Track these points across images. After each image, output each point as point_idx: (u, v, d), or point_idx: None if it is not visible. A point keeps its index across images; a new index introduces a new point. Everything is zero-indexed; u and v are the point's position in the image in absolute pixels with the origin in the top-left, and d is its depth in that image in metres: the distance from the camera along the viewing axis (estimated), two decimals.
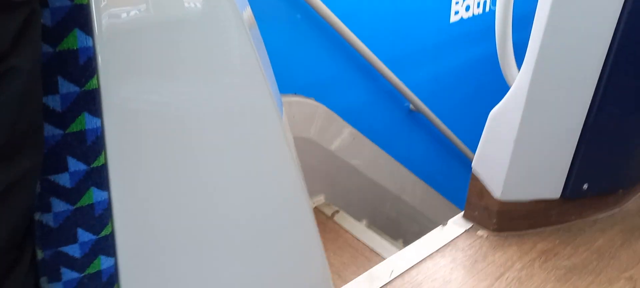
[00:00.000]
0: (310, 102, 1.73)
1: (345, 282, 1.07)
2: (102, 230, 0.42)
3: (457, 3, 2.08)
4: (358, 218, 1.78)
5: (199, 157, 0.49)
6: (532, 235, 1.15)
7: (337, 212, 1.73)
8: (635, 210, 1.21)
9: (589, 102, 1.05)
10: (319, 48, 1.71)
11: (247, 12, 0.55)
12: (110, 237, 0.42)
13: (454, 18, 2.10)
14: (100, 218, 0.41)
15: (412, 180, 2.15)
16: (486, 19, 2.21)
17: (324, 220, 1.67)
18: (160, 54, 0.44)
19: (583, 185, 1.13)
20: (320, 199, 1.82)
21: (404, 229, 2.12)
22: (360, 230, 1.64)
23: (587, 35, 0.99)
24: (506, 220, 1.16)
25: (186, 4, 0.46)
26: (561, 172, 1.11)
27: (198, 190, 0.50)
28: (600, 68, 1.01)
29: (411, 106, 2.02)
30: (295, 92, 1.69)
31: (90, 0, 0.38)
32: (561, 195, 1.14)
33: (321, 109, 1.77)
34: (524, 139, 1.06)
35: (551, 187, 1.13)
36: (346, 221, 1.68)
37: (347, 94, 1.85)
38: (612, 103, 1.06)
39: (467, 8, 2.14)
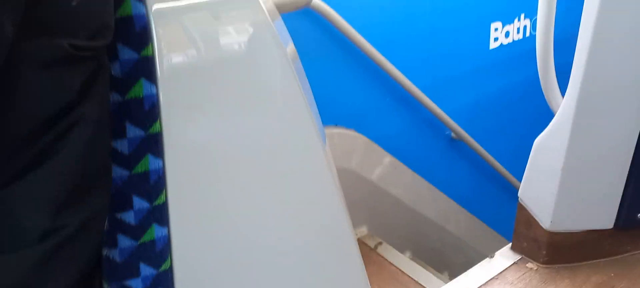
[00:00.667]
0: (351, 132, 1.75)
1: None
2: (162, 265, 0.44)
3: (496, 30, 2.08)
4: (401, 250, 1.76)
5: (250, 192, 0.51)
6: (585, 267, 1.11)
7: (380, 243, 1.72)
8: None
9: (639, 129, 1.01)
10: (358, 79, 1.74)
11: (290, 47, 0.58)
12: (170, 271, 0.45)
13: (493, 44, 2.09)
14: (160, 254, 0.44)
15: (456, 210, 2.11)
16: (527, 44, 2.18)
17: (367, 252, 1.66)
18: (212, 93, 0.47)
19: (637, 213, 1.09)
20: (363, 231, 1.82)
21: (448, 260, 2.07)
22: (404, 262, 1.62)
23: (634, 54, 0.96)
24: (557, 252, 1.12)
25: (235, 44, 0.49)
26: (613, 201, 1.07)
27: (249, 223, 0.52)
28: None
29: (453, 134, 2.00)
30: (336, 124, 1.71)
31: (155, 52, 0.41)
32: (614, 225, 1.09)
33: (361, 139, 1.78)
34: (571, 166, 1.03)
35: (603, 216, 1.09)
36: (390, 253, 1.67)
37: (388, 123, 1.86)
38: None
39: (507, 35, 2.13)
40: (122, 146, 0.40)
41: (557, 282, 1.08)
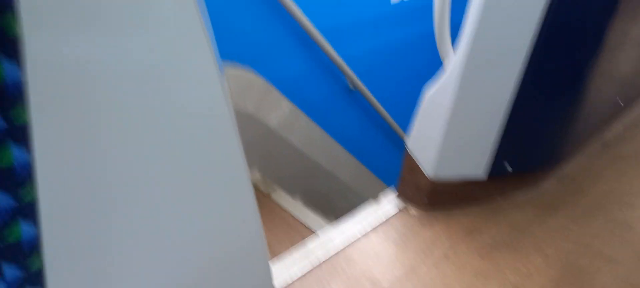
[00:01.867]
0: (248, 73, 1.69)
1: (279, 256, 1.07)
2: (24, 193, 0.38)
3: None
4: (292, 193, 1.78)
5: (137, 126, 0.45)
6: (459, 213, 1.21)
7: (273, 190, 1.72)
8: (549, 190, 1.31)
9: (514, 87, 1.11)
10: (257, 12, 1.66)
11: None
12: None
13: None
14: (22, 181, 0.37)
15: (346, 158, 2.18)
16: (426, 2, 2.26)
17: (260, 198, 1.65)
18: (96, 7, 0.39)
19: (506, 165, 1.21)
20: (255, 174, 1.80)
21: (335, 205, 2.15)
22: (295, 206, 1.64)
23: (517, 24, 1.04)
24: (436, 198, 1.21)
25: None
26: (488, 152, 1.18)
27: (136, 162, 0.46)
28: (527, 56, 1.07)
29: (350, 84, 2.03)
30: (231, 60, 1.63)
31: None
32: (487, 175, 1.20)
33: (259, 81, 1.73)
34: (456, 119, 1.10)
35: (478, 166, 1.19)
36: (282, 198, 1.68)
37: (286, 65, 1.83)
38: (533, 89, 1.12)
39: None
40: None
41: (434, 225, 1.17)
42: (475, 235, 1.14)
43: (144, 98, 0.44)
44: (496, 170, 1.20)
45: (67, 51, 0.38)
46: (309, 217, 1.59)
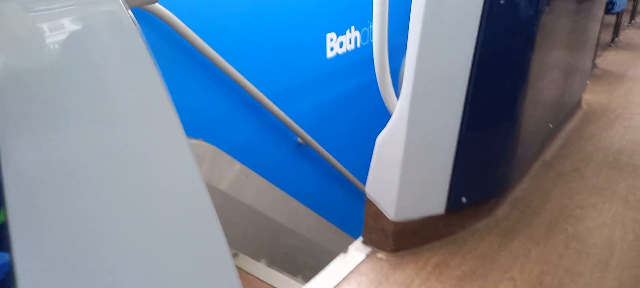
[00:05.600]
0: (198, 142, 1.68)
1: None
2: None
3: (331, 40, 2.21)
4: (257, 257, 1.75)
5: (114, 208, 0.45)
6: (425, 250, 1.24)
7: (236, 254, 1.68)
8: (505, 216, 1.37)
9: (459, 124, 1.18)
10: (203, 86, 1.68)
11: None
12: None
13: (330, 54, 2.22)
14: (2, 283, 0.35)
15: (305, 213, 2.18)
16: (359, 53, 2.38)
17: None
18: (64, 97, 0.40)
19: (462, 198, 1.26)
20: None
21: (301, 263, 2.13)
22: (261, 270, 1.61)
23: (452, 65, 1.12)
24: (401, 239, 1.23)
25: (88, 38, 0.42)
26: (443, 188, 1.23)
27: (113, 242, 0.45)
28: (465, 94, 1.15)
29: (299, 140, 2.06)
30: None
31: None
32: (445, 210, 1.25)
33: (210, 149, 1.72)
34: (409, 160, 1.15)
35: (437, 203, 1.24)
36: (246, 263, 1.64)
37: (236, 131, 1.84)
38: (475, 124, 1.20)
39: (341, 44, 2.28)
40: None
41: (403, 267, 1.18)
42: (443, 269, 1.16)
43: (118, 183, 0.44)
44: (453, 204, 1.25)
45: (40, 147, 0.38)
46: (276, 277, 1.56)
